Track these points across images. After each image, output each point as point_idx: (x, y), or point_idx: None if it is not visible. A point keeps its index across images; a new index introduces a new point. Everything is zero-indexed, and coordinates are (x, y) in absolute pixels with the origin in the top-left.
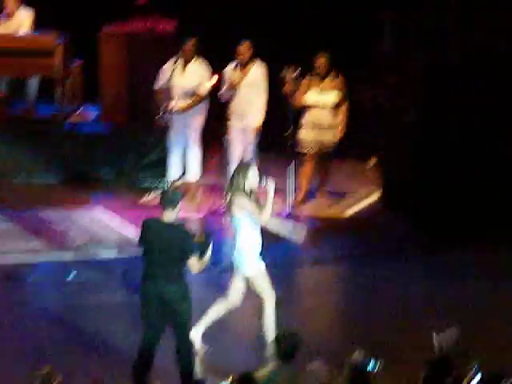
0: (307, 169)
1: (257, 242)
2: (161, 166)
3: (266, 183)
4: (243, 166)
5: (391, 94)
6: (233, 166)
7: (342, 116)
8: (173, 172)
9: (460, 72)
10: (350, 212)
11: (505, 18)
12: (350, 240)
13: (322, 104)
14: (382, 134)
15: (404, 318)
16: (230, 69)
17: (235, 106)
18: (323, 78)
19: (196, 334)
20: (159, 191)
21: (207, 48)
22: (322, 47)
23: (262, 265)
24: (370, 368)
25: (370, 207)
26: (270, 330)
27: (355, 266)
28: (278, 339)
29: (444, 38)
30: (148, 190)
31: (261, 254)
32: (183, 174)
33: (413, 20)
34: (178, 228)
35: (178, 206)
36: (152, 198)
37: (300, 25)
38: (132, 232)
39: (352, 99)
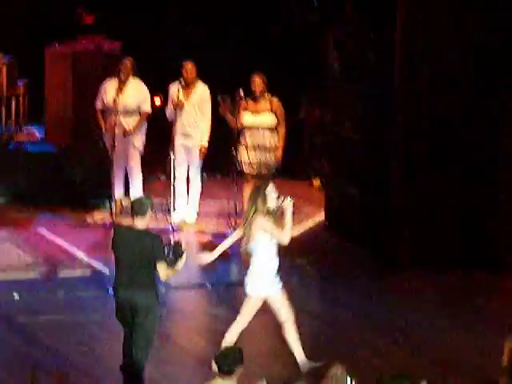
0: (249, 190)
1: (275, 262)
2: (105, 185)
3: (284, 203)
4: (261, 186)
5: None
6: (178, 186)
7: (280, 137)
8: (117, 191)
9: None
10: (294, 232)
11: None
12: (292, 261)
13: (258, 125)
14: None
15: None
16: (174, 88)
17: (180, 126)
18: (259, 99)
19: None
20: (105, 210)
21: (149, 68)
22: (265, 67)
23: (280, 285)
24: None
25: (315, 228)
26: (297, 347)
27: (296, 287)
28: (219, 355)
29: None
30: (94, 210)
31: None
32: (127, 192)
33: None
34: (147, 235)
35: (148, 214)
36: (98, 217)
37: (243, 44)
38: (77, 251)
39: (298, 119)
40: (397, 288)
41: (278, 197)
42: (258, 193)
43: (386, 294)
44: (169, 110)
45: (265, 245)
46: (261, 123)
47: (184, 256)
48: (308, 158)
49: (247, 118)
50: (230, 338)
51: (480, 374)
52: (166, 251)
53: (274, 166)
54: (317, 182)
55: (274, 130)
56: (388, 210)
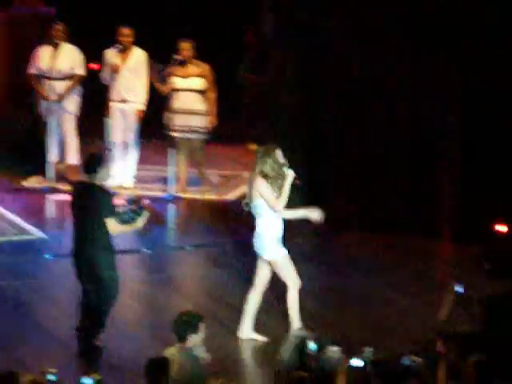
0: (181, 154)
1: (278, 227)
2: (41, 150)
3: (287, 171)
4: (268, 150)
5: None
6: (114, 150)
7: (210, 102)
8: (52, 156)
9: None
10: (233, 195)
11: None
12: (231, 224)
13: (186, 89)
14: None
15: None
16: (110, 52)
17: (116, 90)
18: (187, 64)
19: (247, 331)
20: (40, 175)
21: (84, 33)
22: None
23: (283, 251)
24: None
25: None
26: (294, 314)
27: (237, 250)
28: (174, 321)
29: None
30: (29, 175)
31: (283, 239)
32: (63, 157)
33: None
34: (97, 189)
35: (101, 169)
36: (34, 182)
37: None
38: (13, 216)
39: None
40: (337, 251)
41: (283, 164)
42: (268, 155)
43: (326, 257)
44: (105, 75)
45: (266, 209)
46: (189, 87)
47: (145, 214)
48: (245, 123)
49: (175, 81)
50: (252, 305)
51: (412, 336)
52: (126, 207)
53: (203, 130)
54: (253, 147)
55: (202, 94)
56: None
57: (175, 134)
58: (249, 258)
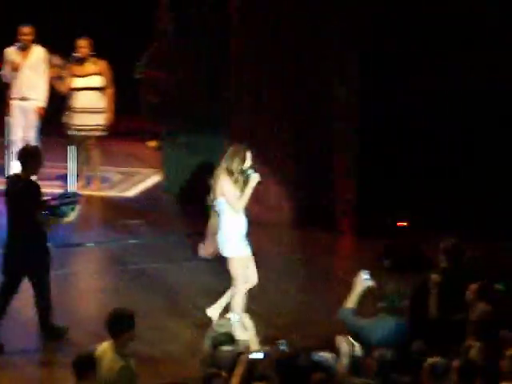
0: (80, 152)
1: (240, 224)
2: None
3: (252, 173)
4: (238, 149)
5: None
6: (14, 148)
7: (108, 99)
8: None
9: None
10: (131, 192)
11: None
12: (133, 221)
13: (85, 87)
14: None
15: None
16: (11, 51)
17: (17, 88)
18: (85, 62)
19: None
20: None
21: None
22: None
23: (243, 250)
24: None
25: (152, 188)
26: (220, 304)
27: (137, 247)
28: (107, 317)
29: None
30: None
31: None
32: None
33: None
34: (27, 182)
35: (28, 163)
36: None
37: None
38: None
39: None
40: None
41: (250, 166)
42: (238, 153)
43: None
44: (5, 73)
45: (228, 207)
46: (88, 85)
47: (77, 208)
48: (144, 119)
49: (74, 81)
50: (236, 309)
51: (315, 330)
52: (58, 202)
53: (102, 127)
54: (153, 143)
55: (101, 91)
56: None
57: (75, 133)
58: (149, 256)
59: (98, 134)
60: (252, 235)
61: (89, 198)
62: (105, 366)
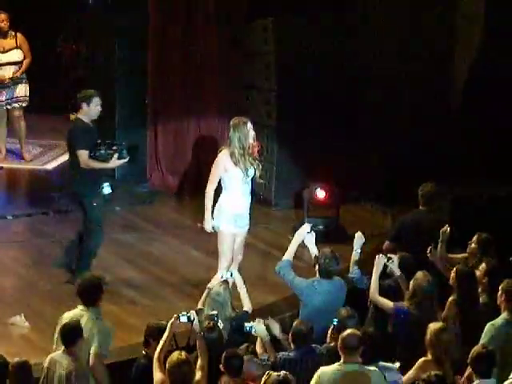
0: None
1: (236, 204)
2: None
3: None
4: (240, 121)
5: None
6: None
7: (24, 67)
8: None
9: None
10: (52, 165)
11: None
12: (51, 194)
13: (6, 62)
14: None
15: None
16: None
17: None
18: (5, 37)
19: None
20: None
21: None
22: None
23: (231, 228)
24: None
25: None
26: (244, 302)
27: (58, 219)
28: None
29: None
30: None
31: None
32: None
33: None
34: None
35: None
36: None
37: None
38: None
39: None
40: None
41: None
42: (238, 128)
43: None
44: None
45: (230, 180)
46: (9, 60)
47: (125, 157)
48: (65, 93)
49: None
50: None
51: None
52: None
53: (25, 98)
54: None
55: (22, 64)
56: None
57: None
58: (71, 227)
59: (21, 105)
60: None
61: (10, 171)
62: (58, 375)
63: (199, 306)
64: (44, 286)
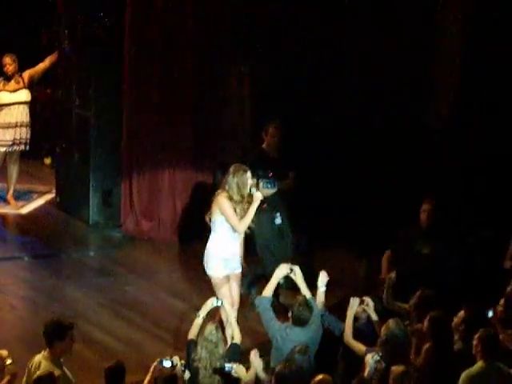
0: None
1: (228, 248)
2: None
3: (255, 193)
4: (239, 169)
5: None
6: None
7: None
8: None
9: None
10: (26, 210)
11: None
12: (26, 239)
13: (14, 102)
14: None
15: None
16: None
17: None
18: (12, 77)
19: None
20: None
21: None
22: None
23: (224, 271)
24: None
25: (46, 205)
26: (234, 333)
27: (33, 266)
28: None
29: None
30: None
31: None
32: None
33: None
34: None
35: None
36: None
37: None
38: None
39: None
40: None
41: (251, 186)
42: (236, 175)
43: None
44: None
45: (221, 224)
46: (17, 100)
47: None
48: (40, 136)
49: (4, 96)
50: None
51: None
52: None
53: (26, 142)
54: (48, 160)
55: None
56: None
57: (2, 149)
58: (46, 272)
59: (22, 148)
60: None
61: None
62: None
63: (189, 337)
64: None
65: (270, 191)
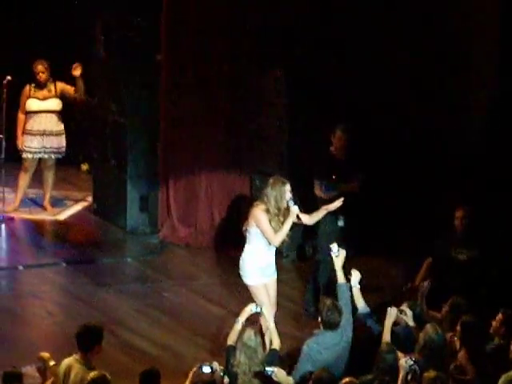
0: (28, 174)
1: (263, 258)
2: None
3: (292, 207)
4: (278, 181)
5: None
6: None
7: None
8: None
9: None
10: (63, 216)
11: None
12: (63, 245)
13: (44, 110)
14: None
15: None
16: None
17: None
18: (44, 85)
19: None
20: None
21: None
22: (42, 53)
23: (262, 279)
24: None
25: (83, 212)
26: (273, 339)
27: (70, 272)
28: (78, 332)
29: None
30: None
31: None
32: None
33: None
34: None
35: None
36: None
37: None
38: None
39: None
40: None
41: (289, 200)
42: (275, 188)
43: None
44: None
45: (257, 235)
46: (47, 108)
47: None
48: (76, 143)
49: (33, 103)
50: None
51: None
52: None
53: (60, 151)
54: (85, 166)
55: (60, 114)
56: None
57: (27, 156)
58: (83, 278)
59: (55, 156)
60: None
61: (21, 221)
62: (73, 380)
63: (228, 342)
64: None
65: (332, 194)
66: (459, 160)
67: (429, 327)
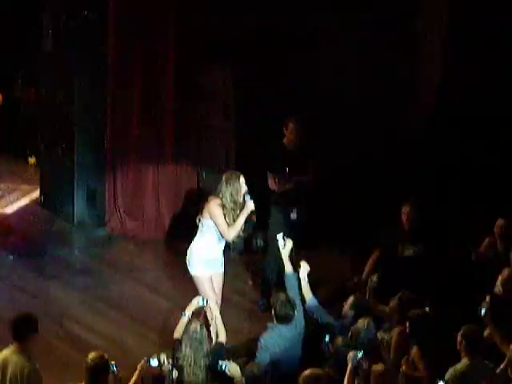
0: None
1: (212, 251)
2: None
3: (248, 201)
4: (232, 176)
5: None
6: None
7: None
8: None
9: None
10: (9, 209)
11: None
12: (10, 238)
13: None
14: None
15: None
16: None
17: None
18: None
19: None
20: None
21: None
22: None
23: (207, 271)
24: None
25: (30, 204)
26: (219, 332)
27: (17, 265)
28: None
29: None
30: None
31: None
32: None
33: None
34: None
35: None
36: None
37: None
38: None
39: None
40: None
41: (244, 193)
42: (230, 183)
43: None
44: None
45: (210, 228)
46: None
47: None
48: (24, 136)
49: None
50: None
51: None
52: None
53: None
54: (32, 160)
55: None
56: None
57: None
58: (30, 271)
59: None
60: None
61: None
62: (12, 371)
63: (175, 335)
64: None
65: (286, 187)
66: (407, 150)
67: (360, 320)
